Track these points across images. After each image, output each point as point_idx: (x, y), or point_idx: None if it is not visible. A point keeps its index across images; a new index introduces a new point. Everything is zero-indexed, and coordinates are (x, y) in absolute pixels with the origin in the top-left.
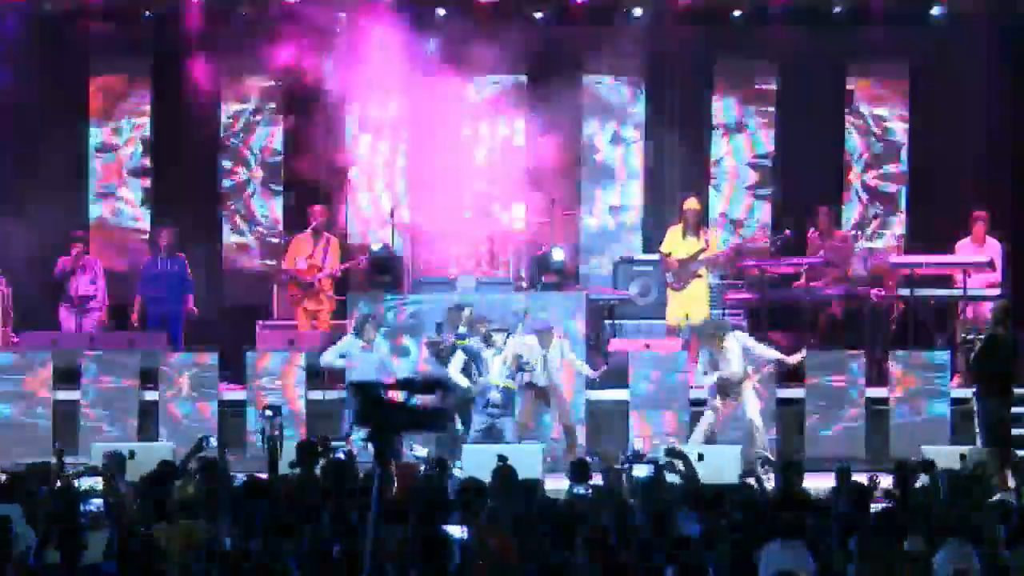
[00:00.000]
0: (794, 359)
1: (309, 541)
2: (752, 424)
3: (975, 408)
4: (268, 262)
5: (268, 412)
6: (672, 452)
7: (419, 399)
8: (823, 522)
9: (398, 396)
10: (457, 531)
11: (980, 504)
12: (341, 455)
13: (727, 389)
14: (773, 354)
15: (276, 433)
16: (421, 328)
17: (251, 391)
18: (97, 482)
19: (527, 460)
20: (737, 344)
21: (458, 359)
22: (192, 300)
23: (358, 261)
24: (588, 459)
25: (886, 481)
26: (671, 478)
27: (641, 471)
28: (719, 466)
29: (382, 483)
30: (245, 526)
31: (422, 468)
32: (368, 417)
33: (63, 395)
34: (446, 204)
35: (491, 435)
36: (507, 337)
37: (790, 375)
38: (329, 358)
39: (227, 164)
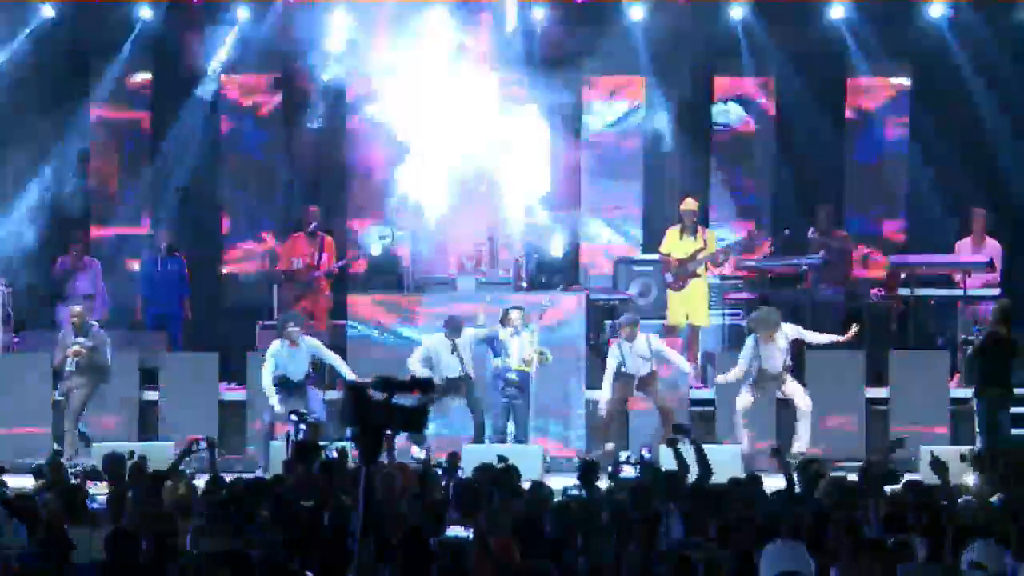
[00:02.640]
0: (849, 335)
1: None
2: (803, 414)
3: (975, 408)
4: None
5: (294, 417)
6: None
7: (402, 398)
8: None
9: (380, 396)
10: (460, 531)
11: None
12: (334, 453)
13: (764, 382)
14: (827, 338)
15: (301, 437)
16: None
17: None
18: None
19: (527, 460)
20: (785, 339)
21: (418, 352)
22: (188, 303)
23: (352, 259)
24: (592, 458)
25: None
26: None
27: (628, 471)
28: (719, 466)
29: (368, 483)
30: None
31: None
32: (352, 417)
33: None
34: (448, 204)
35: (509, 417)
36: (522, 318)
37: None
38: (266, 379)
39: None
